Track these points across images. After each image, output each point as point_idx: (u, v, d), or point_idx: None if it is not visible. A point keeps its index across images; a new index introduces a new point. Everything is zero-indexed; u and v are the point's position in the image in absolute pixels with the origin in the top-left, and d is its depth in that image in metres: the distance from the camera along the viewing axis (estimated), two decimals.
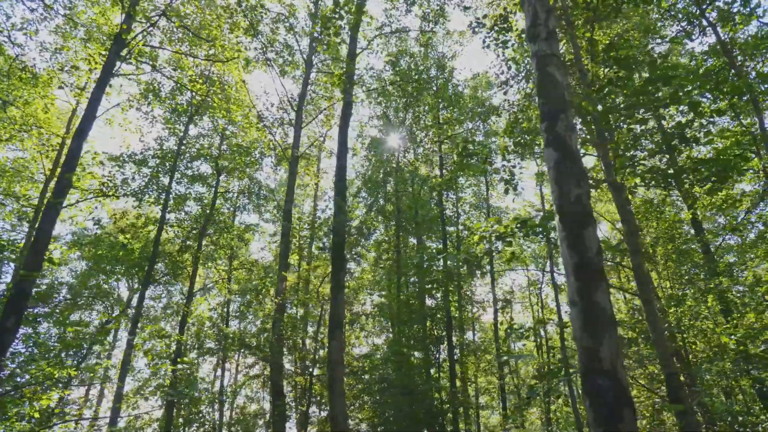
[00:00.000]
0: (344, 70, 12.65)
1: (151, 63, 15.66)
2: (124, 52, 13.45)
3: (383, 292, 21.32)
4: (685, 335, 10.76)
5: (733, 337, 8.27)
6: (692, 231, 16.63)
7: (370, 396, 13.74)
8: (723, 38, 15.58)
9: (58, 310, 23.39)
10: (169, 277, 19.69)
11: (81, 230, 23.97)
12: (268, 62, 16.89)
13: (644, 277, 6.85)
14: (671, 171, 7.37)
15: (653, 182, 7.65)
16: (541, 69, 5.07)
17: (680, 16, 16.01)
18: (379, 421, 12.71)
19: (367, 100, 23.52)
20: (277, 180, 29.98)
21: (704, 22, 15.59)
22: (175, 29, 17.15)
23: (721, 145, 14.82)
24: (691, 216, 17.33)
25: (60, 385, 18.33)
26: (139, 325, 15.97)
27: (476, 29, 9.44)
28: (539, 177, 21.93)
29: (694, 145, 6.90)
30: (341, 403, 8.87)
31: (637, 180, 7.61)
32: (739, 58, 16.03)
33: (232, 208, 24.84)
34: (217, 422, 19.21)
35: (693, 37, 16.18)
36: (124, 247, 16.93)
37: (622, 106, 7.23)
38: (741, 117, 16.61)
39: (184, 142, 19.45)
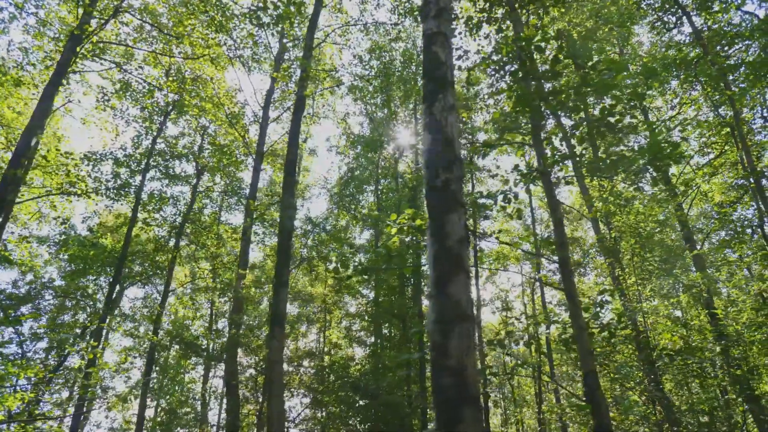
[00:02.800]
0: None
1: (115, 60, 15.52)
2: (85, 49, 13.34)
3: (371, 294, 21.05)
4: (645, 330, 10.40)
5: (675, 334, 7.93)
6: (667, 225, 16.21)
7: (334, 396, 13.50)
8: (700, 27, 15.13)
9: (45, 313, 23.47)
10: (149, 276, 19.53)
11: (67, 231, 23.96)
12: (239, 59, 16.71)
13: (569, 270, 6.54)
14: (608, 161, 7.06)
15: (589, 172, 7.34)
16: (426, 48, 4.80)
17: (654, 3, 15.54)
18: (330, 420, 12.46)
19: (350, 96, 23.26)
20: (265, 179, 29.83)
21: (680, 12, 15.13)
22: (149, 27, 17.05)
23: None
24: (673, 212, 16.91)
25: (40, 387, 18.33)
26: (105, 326, 15.81)
27: (418, 17, 9.15)
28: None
29: (622, 132, 6.58)
30: (278, 404, 8.64)
31: (570, 170, 7.31)
32: (725, 47, 15.56)
33: (217, 208, 24.70)
34: (199, 423, 19.02)
35: (669, 26, 15.74)
36: (94, 246, 16.81)
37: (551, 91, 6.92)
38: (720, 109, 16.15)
39: (158, 140, 19.31)
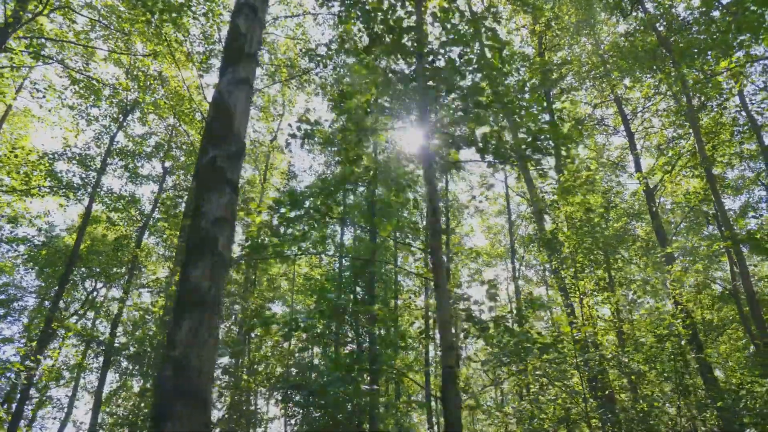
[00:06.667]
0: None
1: (59, 58, 15.36)
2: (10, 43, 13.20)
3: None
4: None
5: (574, 330, 7.51)
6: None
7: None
8: (657, 15, 14.63)
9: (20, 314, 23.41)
10: (108, 275, 19.37)
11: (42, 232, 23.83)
12: (190, 55, 16.49)
13: (439, 260, 6.20)
14: (498, 144, 6.71)
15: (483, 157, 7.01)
16: (231, 20, 4.51)
17: None
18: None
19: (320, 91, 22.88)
20: (244, 179, 29.60)
21: None
22: (99, 23, 16.85)
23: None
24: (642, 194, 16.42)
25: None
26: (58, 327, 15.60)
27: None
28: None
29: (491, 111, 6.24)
30: None
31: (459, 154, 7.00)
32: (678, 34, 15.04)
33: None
34: None
35: (625, 12, 15.28)
36: (44, 245, 16.67)
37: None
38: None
39: (123, 138, 19.16)
